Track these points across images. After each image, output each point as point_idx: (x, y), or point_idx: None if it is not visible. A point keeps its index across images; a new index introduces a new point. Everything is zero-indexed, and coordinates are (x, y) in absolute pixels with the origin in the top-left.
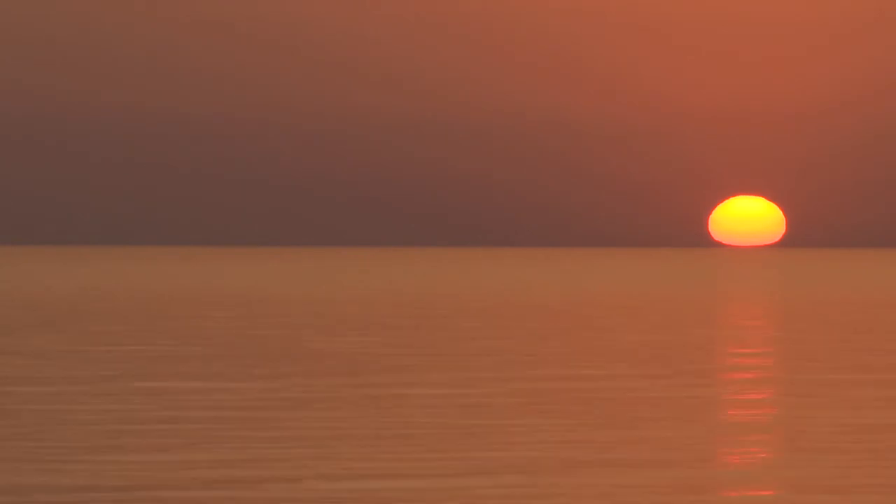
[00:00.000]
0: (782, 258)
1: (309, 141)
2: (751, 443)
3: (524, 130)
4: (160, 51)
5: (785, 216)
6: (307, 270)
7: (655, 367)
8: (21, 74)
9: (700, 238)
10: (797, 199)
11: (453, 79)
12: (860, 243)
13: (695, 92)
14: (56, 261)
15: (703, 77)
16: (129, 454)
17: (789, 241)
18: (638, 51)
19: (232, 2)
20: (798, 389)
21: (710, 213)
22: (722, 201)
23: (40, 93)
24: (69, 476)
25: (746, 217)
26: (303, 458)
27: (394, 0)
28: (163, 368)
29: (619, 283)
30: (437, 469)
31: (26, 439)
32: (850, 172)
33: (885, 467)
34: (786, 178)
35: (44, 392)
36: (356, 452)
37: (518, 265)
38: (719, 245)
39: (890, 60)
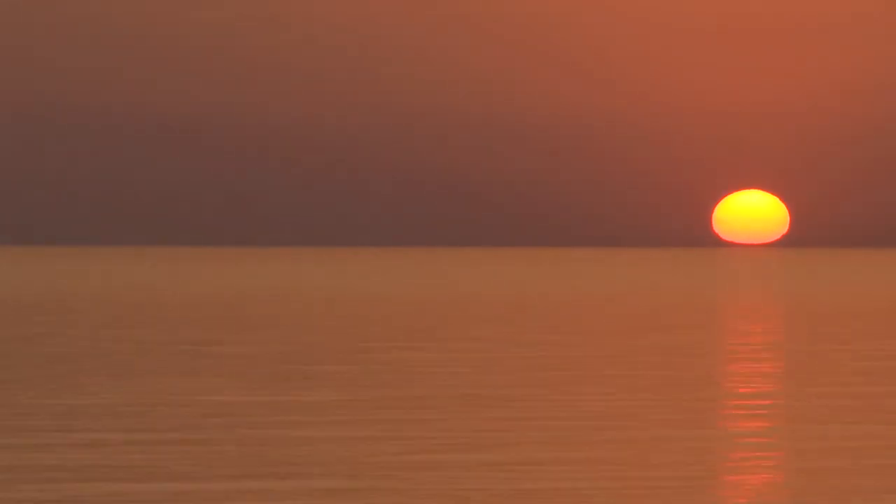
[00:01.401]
0: (797, 259)
1: (311, 141)
2: None
3: (524, 129)
4: (163, 50)
5: (788, 211)
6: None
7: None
8: (20, 75)
9: (704, 234)
10: (801, 192)
11: (453, 77)
12: (867, 239)
13: (696, 87)
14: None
15: (705, 72)
16: None
17: (794, 235)
18: (638, 48)
19: (245, 5)
20: None
21: (713, 208)
22: (724, 196)
23: (41, 93)
24: None
25: (750, 212)
26: None
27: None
28: None
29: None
30: None
31: None
32: (853, 165)
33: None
34: (789, 172)
35: None
36: None
37: (543, 266)
38: (724, 243)
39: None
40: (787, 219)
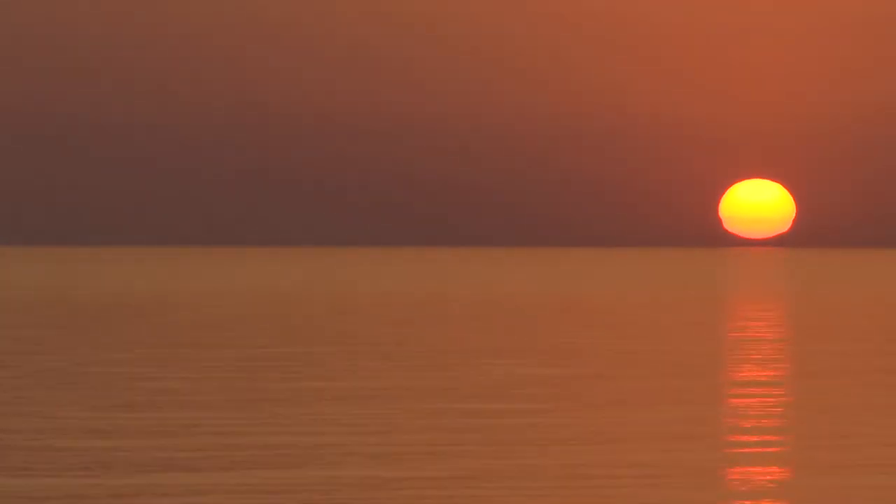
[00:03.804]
0: (818, 259)
1: (313, 141)
2: None
3: (525, 132)
4: (166, 51)
5: (794, 200)
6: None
7: None
8: (23, 77)
9: (712, 229)
10: (805, 180)
11: (456, 81)
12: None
13: (696, 81)
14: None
15: (707, 67)
16: None
17: (800, 225)
18: (639, 48)
19: (235, 2)
20: None
21: (718, 201)
22: (727, 189)
23: (41, 95)
24: None
25: (756, 204)
26: None
27: (381, 5)
28: None
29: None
30: None
31: None
32: (857, 152)
33: None
34: (792, 160)
35: None
36: None
37: (558, 266)
38: (732, 238)
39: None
40: (794, 208)
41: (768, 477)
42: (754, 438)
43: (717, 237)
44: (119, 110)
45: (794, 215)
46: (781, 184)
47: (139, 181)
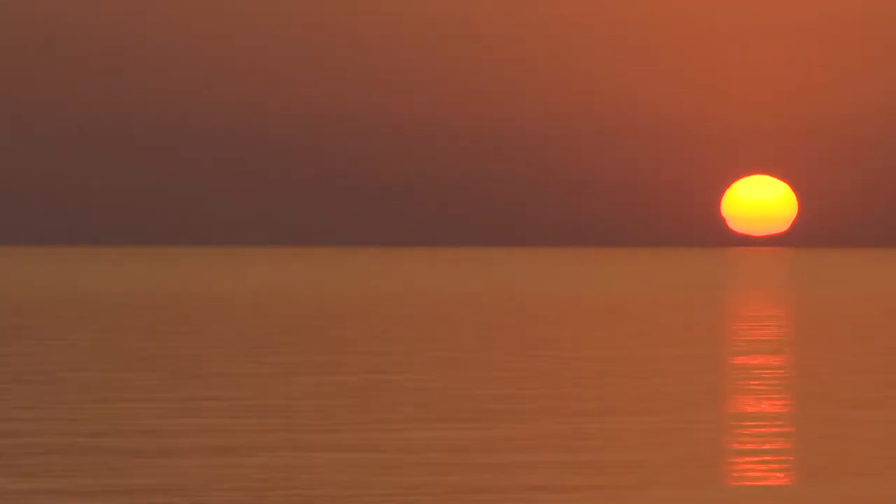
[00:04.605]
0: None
1: (315, 142)
2: None
3: (526, 132)
4: (164, 52)
5: (796, 197)
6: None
7: None
8: (28, 77)
9: (713, 224)
10: (805, 180)
11: (457, 81)
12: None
13: (697, 77)
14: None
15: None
16: None
17: (802, 223)
18: (641, 50)
19: (238, 3)
20: None
21: (720, 199)
22: (728, 186)
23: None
24: None
25: (758, 201)
26: None
27: (384, 5)
28: None
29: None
30: None
31: None
32: (856, 150)
33: None
34: (792, 160)
35: None
36: None
37: (568, 266)
38: (736, 236)
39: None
40: (796, 206)
41: (769, 482)
42: (760, 429)
43: (719, 236)
44: (119, 110)
45: (796, 213)
46: (783, 181)
47: (139, 181)
